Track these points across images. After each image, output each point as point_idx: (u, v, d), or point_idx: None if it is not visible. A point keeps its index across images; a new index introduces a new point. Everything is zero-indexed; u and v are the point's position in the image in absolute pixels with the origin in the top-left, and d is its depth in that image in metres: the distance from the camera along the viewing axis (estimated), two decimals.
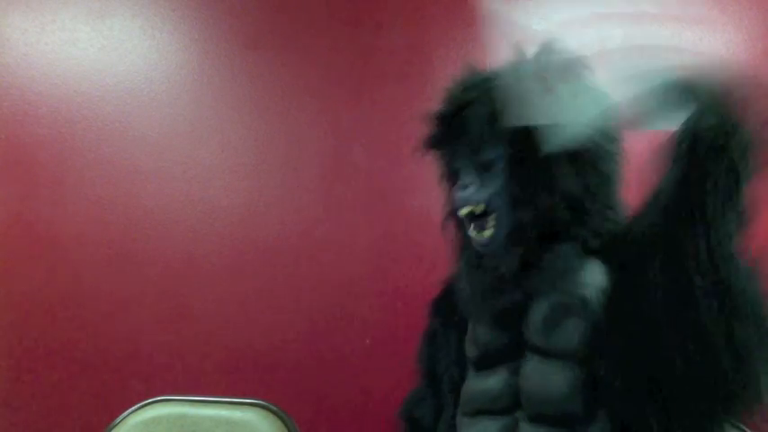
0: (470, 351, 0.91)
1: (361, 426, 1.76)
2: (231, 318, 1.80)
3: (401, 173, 1.76)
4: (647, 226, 0.68)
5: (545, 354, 0.78)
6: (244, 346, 1.79)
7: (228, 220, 1.82)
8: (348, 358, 1.77)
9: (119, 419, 1.33)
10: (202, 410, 1.33)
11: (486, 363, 0.87)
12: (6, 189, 1.82)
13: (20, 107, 1.82)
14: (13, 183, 1.82)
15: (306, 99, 1.82)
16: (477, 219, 0.84)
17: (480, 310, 0.88)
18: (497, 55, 0.86)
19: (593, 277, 0.75)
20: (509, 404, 0.81)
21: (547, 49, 0.85)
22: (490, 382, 0.85)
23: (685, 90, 0.69)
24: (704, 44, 1.70)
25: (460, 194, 0.85)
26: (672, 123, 0.69)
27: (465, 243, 0.91)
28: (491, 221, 0.83)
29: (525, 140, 0.79)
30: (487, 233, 0.83)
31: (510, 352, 0.83)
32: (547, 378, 0.77)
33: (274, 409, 1.33)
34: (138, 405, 1.35)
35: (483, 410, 0.85)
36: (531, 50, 0.85)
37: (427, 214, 1.70)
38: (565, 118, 0.77)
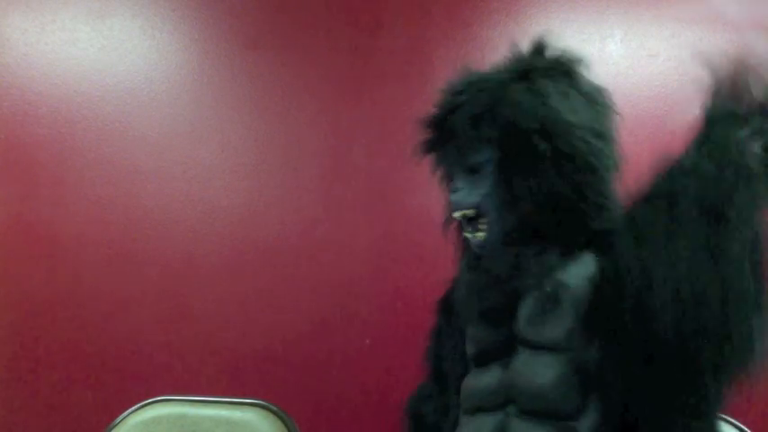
0: (469, 348, 0.91)
1: (361, 426, 1.76)
2: (231, 318, 1.80)
3: (401, 173, 1.76)
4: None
5: (534, 347, 0.79)
6: (244, 346, 1.79)
7: (228, 220, 1.82)
8: (348, 358, 1.77)
9: (119, 419, 1.34)
10: (202, 410, 1.33)
11: (482, 360, 0.88)
12: (6, 189, 1.82)
13: (20, 107, 1.82)
14: (13, 183, 1.82)
15: (306, 99, 1.82)
16: (471, 221, 0.85)
17: (472, 309, 0.89)
18: (495, 55, 0.86)
19: (582, 270, 0.75)
20: (503, 400, 0.82)
21: (539, 48, 0.85)
22: (485, 379, 0.86)
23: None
24: (704, 44, 1.71)
25: (453, 198, 0.87)
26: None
27: (466, 244, 0.92)
28: (483, 224, 0.84)
29: (512, 143, 0.79)
30: (480, 235, 0.84)
31: (503, 348, 0.83)
32: (535, 370, 0.77)
33: (274, 409, 1.33)
34: (138, 405, 1.35)
35: (479, 407, 0.86)
36: (523, 49, 0.85)
37: (427, 214, 1.70)
38: (553, 118, 0.77)
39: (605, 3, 1.73)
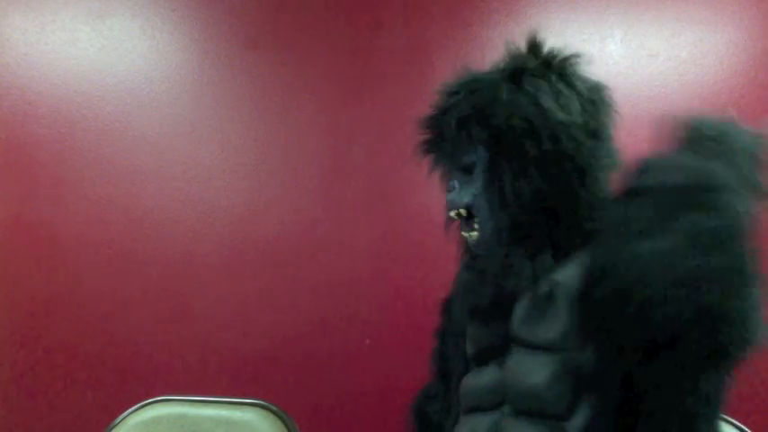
0: (468, 348, 0.92)
1: (361, 426, 1.76)
2: (231, 318, 1.80)
3: (401, 173, 1.76)
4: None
5: (528, 346, 0.79)
6: (244, 346, 1.80)
7: (228, 220, 1.82)
8: (348, 358, 1.77)
9: (119, 419, 1.34)
10: (202, 410, 1.33)
11: (480, 359, 0.88)
12: (6, 189, 1.82)
13: (20, 107, 1.82)
14: (13, 183, 1.83)
15: (306, 99, 1.82)
16: (467, 220, 0.86)
17: (467, 308, 0.89)
18: (495, 55, 0.86)
19: (577, 270, 0.75)
20: (499, 399, 0.82)
21: (533, 47, 0.85)
22: (483, 379, 0.86)
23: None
24: (704, 44, 1.71)
25: (448, 197, 0.88)
26: None
27: (465, 243, 0.92)
28: (476, 223, 0.84)
29: (501, 143, 0.79)
30: (475, 234, 0.84)
31: (500, 348, 0.83)
32: (528, 370, 0.77)
33: (274, 409, 1.33)
34: (138, 405, 1.35)
35: (476, 407, 0.86)
36: (519, 49, 0.85)
37: (427, 214, 1.71)
38: (543, 118, 0.76)
39: (605, 3, 1.73)
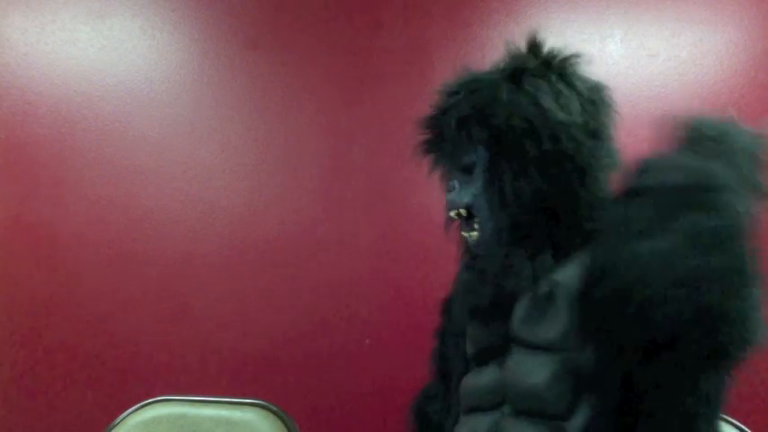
0: (468, 348, 0.92)
1: (361, 425, 1.76)
2: (231, 318, 1.80)
3: (401, 173, 1.76)
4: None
5: (528, 346, 0.79)
6: (244, 346, 1.80)
7: (228, 220, 1.82)
8: (348, 358, 1.77)
9: (119, 419, 1.34)
10: (202, 410, 1.33)
11: (480, 359, 0.88)
12: (6, 189, 1.82)
13: (20, 107, 1.82)
14: (13, 183, 1.83)
15: (305, 99, 1.82)
16: (467, 220, 0.86)
17: (466, 308, 0.89)
18: (495, 55, 0.86)
19: (577, 271, 0.75)
20: (499, 399, 0.82)
21: (533, 47, 0.84)
22: (483, 379, 0.86)
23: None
24: (704, 44, 1.71)
25: (448, 197, 0.88)
26: None
27: (465, 243, 0.92)
28: (476, 223, 0.84)
29: (501, 143, 0.79)
30: (474, 234, 0.84)
31: (500, 348, 0.83)
32: (528, 370, 0.77)
33: (274, 409, 1.33)
34: (138, 405, 1.35)
35: (476, 407, 0.86)
36: (519, 49, 0.85)
37: (427, 214, 1.71)
38: (542, 118, 0.76)
39: (605, 3, 1.73)
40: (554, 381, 0.74)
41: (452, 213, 0.87)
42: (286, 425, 1.30)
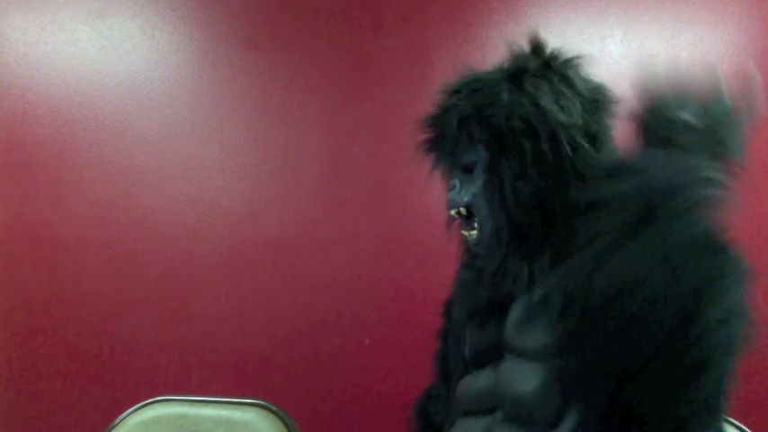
0: (467, 350, 0.92)
1: (361, 425, 1.76)
2: (231, 318, 1.80)
3: (401, 173, 1.76)
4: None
5: (519, 354, 0.78)
6: (244, 346, 1.80)
7: (228, 220, 1.82)
8: (348, 358, 1.77)
9: (119, 419, 1.33)
10: (202, 410, 1.32)
11: (477, 362, 0.88)
12: (6, 189, 1.82)
13: (20, 107, 1.82)
14: (13, 183, 1.83)
15: (306, 99, 1.82)
16: (467, 219, 0.86)
17: (464, 310, 0.89)
18: (495, 55, 0.86)
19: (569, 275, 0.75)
20: (492, 405, 0.82)
21: (535, 47, 0.84)
22: (479, 382, 0.86)
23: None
24: (704, 44, 1.71)
25: (448, 196, 0.88)
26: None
27: (465, 243, 0.92)
28: (475, 222, 0.84)
29: (500, 143, 0.79)
30: (474, 233, 0.85)
31: (495, 352, 0.83)
32: (518, 377, 0.77)
33: (274, 409, 1.33)
34: (138, 405, 1.35)
35: (470, 411, 0.86)
36: (521, 49, 0.85)
37: (427, 214, 1.71)
38: (542, 119, 0.76)
39: (605, 3, 1.73)
40: (543, 389, 0.74)
41: (452, 212, 0.87)
42: (286, 425, 1.30)
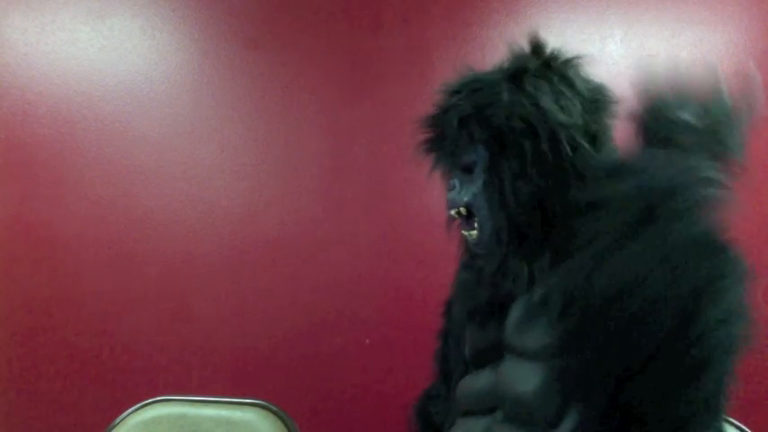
0: (467, 350, 0.92)
1: (361, 425, 1.76)
2: (231, 318, 1.80)
3: (401, 173, 1.76)
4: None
5: (519, 354, 0.78)
6: (244, 346, 1.80)
7: (228, 220, 1.82)
8: (348, 358, 1.77)
9: (119, 419, 1.33)
10: (202, 410, 1.32)
11: (477, 362, 0.88)
12: (6, 189, 1.82)
13: (20, 107, 1.82)
14: (13, 183, 1.83)
15: (306, 99, 1.82)
16: (467, 219, 0.86)
17: (464, 310, 0.89)
18: (495, 55, 0.86)
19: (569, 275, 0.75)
20: (492, 404, 0.82)
21: (535, 48, 0.84)
22: (479, 382, 0.86)
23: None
24: (704, 44, 1.71)
25: (448, 195, 0.88)
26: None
27: (465, 242, 0.92)
28: (475, 222, 0.84)
29: (500, 143, 0.79)
30: (474, 233, 0.85)
31: (495, 352, 0.83)
32: (518, 377, 0.77)
33: (274, 409, 1.33)
34: (138, 405, 1.35)
35: (470, 410, 0.86)
36: (522, 49, 0.85)
37: (427, 214, 1.71)
38: (542, 119, 0.76)
39: (605, 3, 1.73)
40: (543, 389, 0.74)
41: (452, 212, 0.87)
42: (286, 425, 1.30)
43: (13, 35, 1.83)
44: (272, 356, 1.79)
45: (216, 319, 1.80)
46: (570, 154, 0.76)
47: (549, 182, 0.77)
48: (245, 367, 1.79)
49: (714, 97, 0.72)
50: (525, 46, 0.85)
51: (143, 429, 1.31)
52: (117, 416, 1.35)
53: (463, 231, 0.88)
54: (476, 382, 0.87)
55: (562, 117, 0.77)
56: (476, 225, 0.84)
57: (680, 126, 0.72)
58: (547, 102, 0.77)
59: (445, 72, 0.89)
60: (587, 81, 0.82)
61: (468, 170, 0.86)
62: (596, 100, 0.81)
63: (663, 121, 0.73)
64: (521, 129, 0.77)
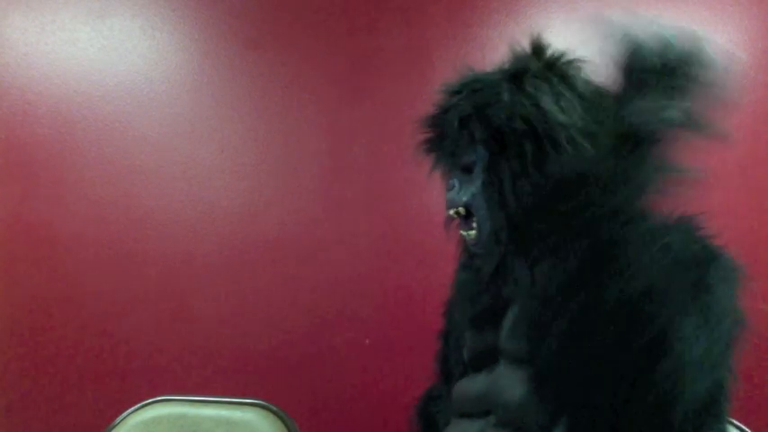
0: (465, 352, 0.92)
1: (361, 425, 1.76)
2: (231, 318, 1.80)
3: (401, 173, 1.76)
4: None
5: (513, 358, 0.78)
6: (244, 346, 1.80)
7: (228, 220, 1.82)
8: (348, 358, 1.77)
9: (119, 419, 1.33)
10: (202, 410, 1.32)
11: (474, 365, 0.88)
12: (6, 189, 1.82)
13: (20, 107, 1.82)
14: (13, 183, 1.83)
15: (306, 99, 1.82)
16: (466, 219, 0.86)
17: (463, 312, 0.89)
18: (495, 55, 0.86)
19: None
20: (486, 408, 0.82)
21: (536, 48, 0.84)
22: (475, 385, 0.86)
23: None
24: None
25: (447, 195, 0.88)
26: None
27: (464, 242, 0.92)
28: (474, 222, 0.84)
29: (500, 143, 0.79)
30: (472, 233, 0.84)
31: (491, 356, 0.83)
32: (510, 382, 0.77)
33: (274, 409, 1.33)
34: (138, 405, 1.35)
35: (466, 413, 0.86)
36: (523, 50, 0.85)
37: (427, 214, 1.71)
38: (542, 120, 0.76)
39: (605, 3, 1.73)
40: (532, 396, 0.74)
41: (451, 212, 0.87)
42: (286, 425, 1.30)
43: (13, 35, 1.83)
44: (272, 356, 1.79)
45: (216, 319, 1.80)
46: (571, 154, 0.77)
47: (548, 182, 0.77)
48: (245, 367, 1.79)
49: (689, 45, 0.72)
50: (526, 47, 0.85)
51: (143, 429, 1.30)
52: (117, 416, 1.35)
53: (462, 231, 0.88)
54: (472, 385, 0.87)
55: (562, 118, 0.76)
56: (474, 225, 0.84)
57: (652, 67, 0.71)
58: (547, 102, 0.77)
59: (445, 72, 0.89)
60: (588, 82, 0.82)
61: (467, 170, 0.86)
62: (597, 101, 0.81)
63: (637, 64, 0.73)
64: (521, 129, 0.77)
